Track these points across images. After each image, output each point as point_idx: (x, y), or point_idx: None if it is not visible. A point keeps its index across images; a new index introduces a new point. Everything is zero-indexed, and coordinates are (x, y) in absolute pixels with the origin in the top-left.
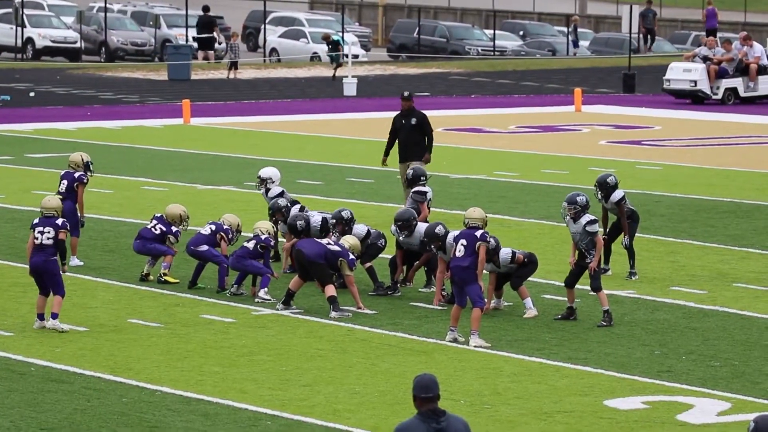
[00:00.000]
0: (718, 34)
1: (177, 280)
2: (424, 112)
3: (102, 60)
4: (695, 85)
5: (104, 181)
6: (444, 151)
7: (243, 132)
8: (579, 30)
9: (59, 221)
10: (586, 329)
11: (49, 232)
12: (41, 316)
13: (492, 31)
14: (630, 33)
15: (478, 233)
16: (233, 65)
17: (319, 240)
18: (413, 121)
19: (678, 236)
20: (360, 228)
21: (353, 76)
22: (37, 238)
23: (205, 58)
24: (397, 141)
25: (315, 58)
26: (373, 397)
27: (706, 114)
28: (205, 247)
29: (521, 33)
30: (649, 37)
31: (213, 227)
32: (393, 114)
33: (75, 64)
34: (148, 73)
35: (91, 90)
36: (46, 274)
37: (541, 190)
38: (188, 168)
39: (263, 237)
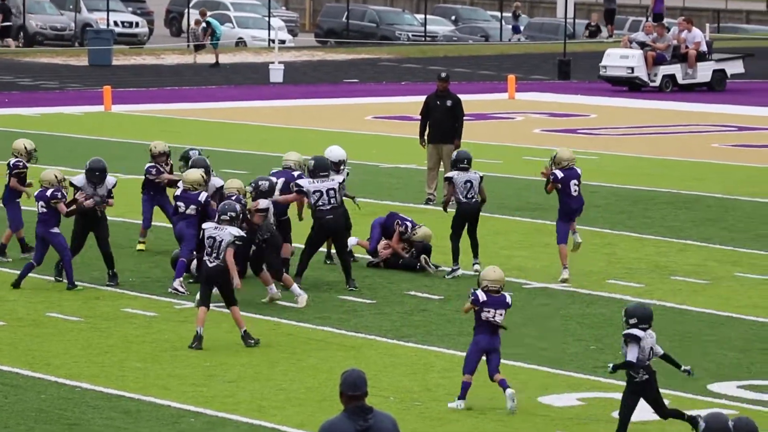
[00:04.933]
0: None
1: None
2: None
3: (20, 45)
4: (632, 72)
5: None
6: (373, 140)
7: (166, 119)
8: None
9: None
10: (519, 324)
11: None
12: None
13: (423, 16)
14: (566, 18)
15: None
16: (198, 48)
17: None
18: (449, 103)
19: (614, 228)
20: (217, 180)
21: (280, 62)
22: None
23: (6, 45)
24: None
25: (240, 43)
26: (299, 394)
27: (644, 102)
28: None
29: (453, 18)
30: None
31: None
32: (320, 101)
33: None
34: (67, 59)
35: (9, 76)
36: None
37: None
38: (110, 157)
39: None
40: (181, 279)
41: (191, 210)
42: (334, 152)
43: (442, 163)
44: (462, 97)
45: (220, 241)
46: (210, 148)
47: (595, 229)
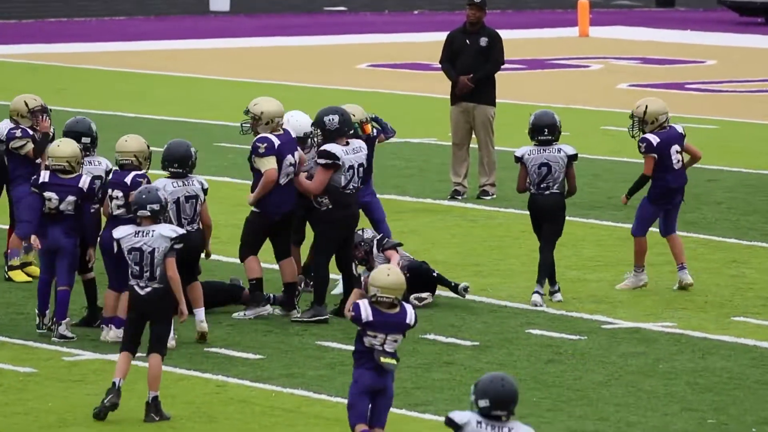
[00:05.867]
0: None
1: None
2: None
3: None
4: None
5: None
6: (370, 100)
7: (51, 68)
8: None
9: None
10: (598, 384)
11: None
12: None
13: None
14: None
15: None
16: None
17: None
18: (483, 42)
19: (744, 236)
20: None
21: None
22: None
23: None
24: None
25: None
26: None
27: None
28: None
29: None
30: None
31: None
32: (287, 41)
33: None
34: None
35: None
36: None
37: None
38: None
39: None
40: (68, 320)
41: (68, 205)
42: (299, 122)
43: (474, 134)
44: (505, 33)
45: (151, 251)
46: (119, 113)
47: (714, 238)
